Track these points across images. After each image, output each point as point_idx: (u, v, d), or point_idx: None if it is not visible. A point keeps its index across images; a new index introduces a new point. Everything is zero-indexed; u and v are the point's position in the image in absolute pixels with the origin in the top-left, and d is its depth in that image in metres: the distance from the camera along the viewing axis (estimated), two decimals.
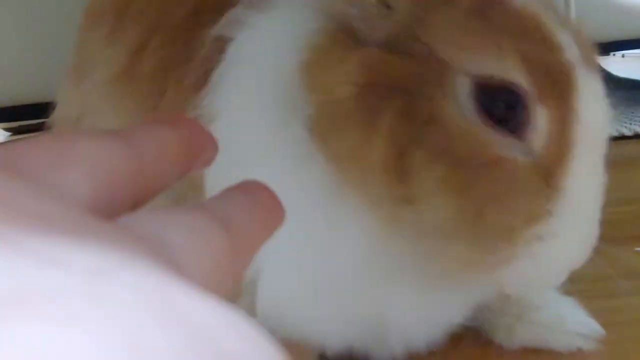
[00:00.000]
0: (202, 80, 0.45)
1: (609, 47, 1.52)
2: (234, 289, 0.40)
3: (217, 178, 0.41)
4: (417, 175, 0.36)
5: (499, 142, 0.36)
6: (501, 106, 0.36)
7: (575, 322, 0.50)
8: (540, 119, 0.37)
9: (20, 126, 1.61)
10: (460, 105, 0.37)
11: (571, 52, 0.38)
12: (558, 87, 0.37)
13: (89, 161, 0.19)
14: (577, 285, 0.52)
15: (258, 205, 0.22)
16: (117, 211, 0.19)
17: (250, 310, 0.43)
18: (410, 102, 0.37)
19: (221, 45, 0.45)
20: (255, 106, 0.42)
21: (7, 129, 1.61)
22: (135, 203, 0.21)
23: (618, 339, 0.51)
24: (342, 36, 0.39)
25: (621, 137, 1.23)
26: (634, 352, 0.49)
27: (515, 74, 0.36)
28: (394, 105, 0.37)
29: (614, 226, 0.73)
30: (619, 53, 1.75)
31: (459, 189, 0.36)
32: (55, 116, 0.67)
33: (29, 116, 1.47)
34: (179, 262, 0.17)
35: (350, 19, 0.39)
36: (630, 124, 1.29)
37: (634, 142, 1.22)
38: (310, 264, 0.42)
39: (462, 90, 0.37)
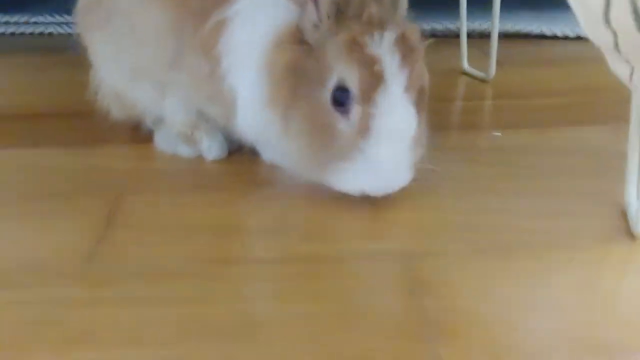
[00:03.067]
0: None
1: None
2: None
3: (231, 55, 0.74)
4: (292, 119, 0.70)
5: (337, 118, 0.69)
6: (342, 99, 0.68)
7: None
8: (358, 108, 0.68)
9: None
10: (327, 92, 0.69)
11: (387, 65, 0.67)
12: (369, 92, 0.67)
13: None
14: None
15: None
16: None
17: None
18: (306, 80, 0.70)
19: None
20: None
21: None
22: None
23: None
24: (295, 32, 0.70)
25: (564, 38, 1.41)
26: None
27: (350, 83, 0.67)
28: (300, 80, 0.70)
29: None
30: None
31: (312, 135, 0.70)
32: (79, 2, 0.86)
33: None
34: None
35: (304, 23, 0.70)
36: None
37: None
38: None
39: (331, 84, 0.68)
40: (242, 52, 0.73)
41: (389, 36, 0.67)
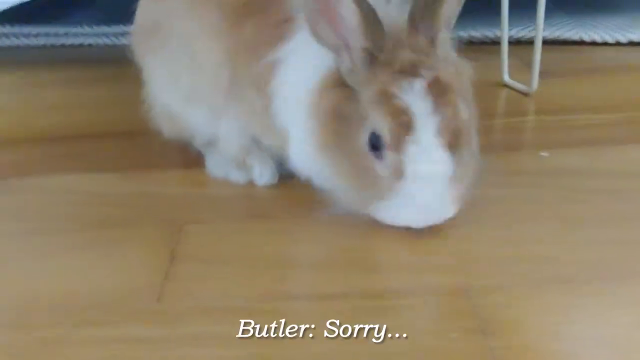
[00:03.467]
0: (276, 39, 0.74)
1: None
2: None
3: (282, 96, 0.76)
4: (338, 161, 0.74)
5: (373, 159, 0.71)
6: (377, 144, 0.70)
7: None
8: (391, 154, 0.69)
9: None
10: (365, 136, 0.70)
11: (416, 114, 0.68)
12: (399, 140, 0.68)
13: None
14: None
15: None
16: None
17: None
18: (348, 123, 0.72)
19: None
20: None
21: None
22: None
23: None
24: (337, 76, 0.72)
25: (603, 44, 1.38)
26: None
27: (381, 132, 0.69)
28: (342, 123, 0.72)
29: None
30: None
31: (354, 176, 0.72)
32: (135, 25, 0.87)
33: None
34: None
35: (342, 68, 0.72)
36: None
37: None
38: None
39: (367, 129, 0.70)
40: (291, 94, 0.75)
41: (420, 83, 0.68)
